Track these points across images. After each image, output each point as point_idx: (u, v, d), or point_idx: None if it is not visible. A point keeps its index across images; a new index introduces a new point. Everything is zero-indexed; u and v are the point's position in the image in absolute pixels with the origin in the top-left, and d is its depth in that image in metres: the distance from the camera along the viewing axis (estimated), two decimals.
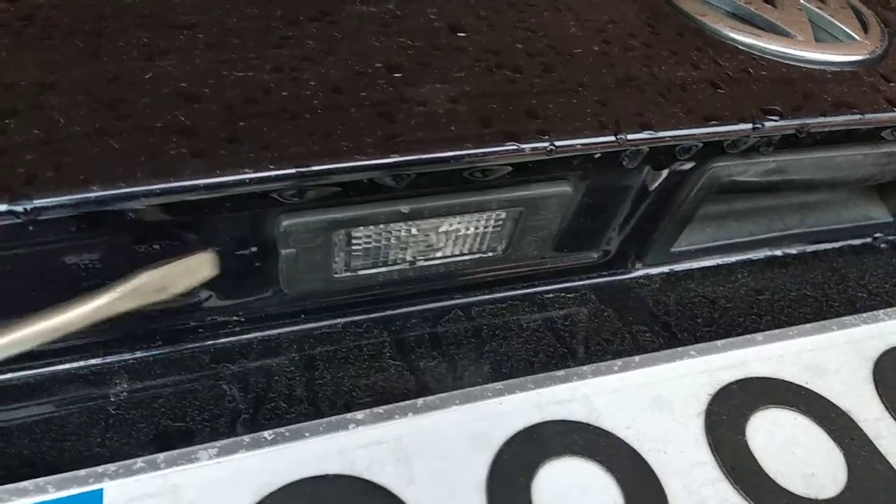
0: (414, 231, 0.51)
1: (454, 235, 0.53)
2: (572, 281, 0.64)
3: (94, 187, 0.40)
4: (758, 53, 0.59)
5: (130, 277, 0.44)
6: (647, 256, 0.64)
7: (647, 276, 0.66)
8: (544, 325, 0.60)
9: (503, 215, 0.52)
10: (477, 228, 0.53)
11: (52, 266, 0.46)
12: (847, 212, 0.71)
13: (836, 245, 0.71)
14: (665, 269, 0.66)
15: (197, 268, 0.47)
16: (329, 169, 0.43)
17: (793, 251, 0.70)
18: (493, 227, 0.53)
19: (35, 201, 0.39)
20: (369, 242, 0.51)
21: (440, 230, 0.52)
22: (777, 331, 0.60)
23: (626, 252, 0.63)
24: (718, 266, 0.67)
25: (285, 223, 0.46)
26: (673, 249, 0.64)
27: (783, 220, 0.68)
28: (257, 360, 0.55)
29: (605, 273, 0.64)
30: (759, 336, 0.59)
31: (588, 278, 0.64)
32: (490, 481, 0.48)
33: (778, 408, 0.55)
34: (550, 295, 0.63)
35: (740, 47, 0.59)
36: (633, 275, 0.65)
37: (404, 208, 0.48)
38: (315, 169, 0.43)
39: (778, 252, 0.69)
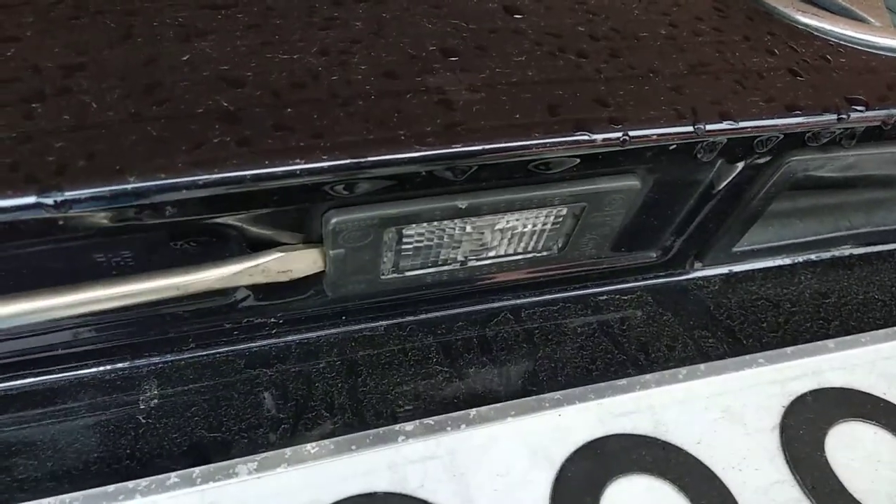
0: (468, 229, 0.47)
1: (510, 233, 0.49)
2: (627, 282, 0.60)
3: (131, 178, 0.36)
4: (834, 40, 0.55)
5: (264, 254, 0.44)
6: (708, 256, 0.60)
7: (705, 278, 0.62)
8: (600, 330, 0.56)
9: (563, 211, 0.48)
10: (535, 226, 0.49)
11: (79, 263, 0.42)
12: None
13: None
14: (724, 269, 0.62)
15: (316, 258, 0.45)
16: (388, 160, 0.39)
17: (857, 252, 0.66)
18: (553, 224, 0.49)
19: (66, 193, 0.35)
20: (420, 241, 0.47)
21: (496, 227, 0.48)
22: (848, 337, 0.56)
23: (685, 252, 0.59)
24: (780, 267, 0.63)
25: (335, 220, 0.42)
26: (734, 249, 0.60)
27: (849, 218, 0.64)
28: (296, 364, 0.52)
29: (661, 274, 0.60)
30: (830, 343, 0.56)
31: (643, 279, 0.60)
32: (554, 501, 0.44)
33: (857, 421, 0.51)
34: (604, 297, 0.59)
35: (815, 33, 0.55)
36: (690, 276, 0.61)
37: (462, 204, 0.44)
38: (372, 159, 0.39)
39: (843, 253, 0.65)
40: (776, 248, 0.62)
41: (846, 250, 0.66)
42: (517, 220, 0.48)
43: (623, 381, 0.51)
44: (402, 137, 0.40)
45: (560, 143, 0.42)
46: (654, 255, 0.58)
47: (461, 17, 0.50)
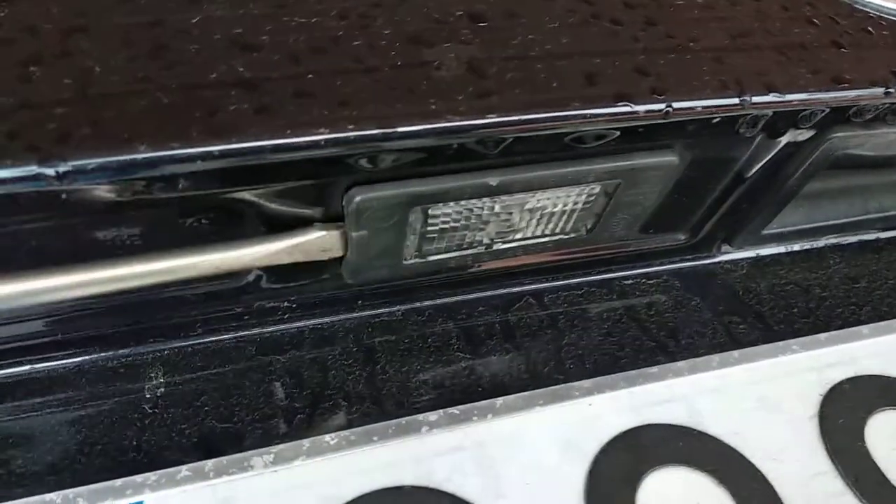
0: (497, 209, 0.44)
1: (539, 213, 0.46)
2: (652, 266, 0.57)
3: (141, 147, 0.33)
4: (874, 12, 0.52)
5: (304, 231, 0.41)
6: (737, 239, 0.57)
7: (732, 261, 0.59)
8: (627, 315, 0.54)
9: (596, 189, 0.46)
10: (566, 205, 0.46)
11: (83, 242, 0.39)
12: None
13: None
14: (752, 253, 0.60)
15: (339, 240, 0.42)
16: (419, 130, 0.36)
17: (884, 235, 0.64)
18: (584, 203, 0.46)
19: (70, 163, 0.32)
20: (447, 222, 0.44)
21: (525, 207, 0.45)
22: (882, 323, 0.54)
23: (714, 234, 0.56)
24: (808, 251, 0.61)
25: (359, 198, 0.39)
26: (764, 232, 0.57)
27: (878, 200, 0.62)
28: (311, 351, 0.49)
29: (687, 257, 0.58)
30: (864, 329, 0.54)
31: (669, 263, 0.58)
32: (589, 495, 0.42)
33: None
34: (629, 281, 0.56)
35: (855, 4, 0.52)
36: (717, 259, 0.59)
37: (493, 181, 0.41)
38: (403, 130, 0.36)
39: (870, 236, 0.63)
40: (805, 231, 0.60)
41: (873, 234, 0.64)
42: (548, 198, 0.45)
43: (654, 369, 0.48)
44: (433, 107, 0.37)
45: (600, 115, 0.39)
46: (683, 238, 0.56)
47: None
